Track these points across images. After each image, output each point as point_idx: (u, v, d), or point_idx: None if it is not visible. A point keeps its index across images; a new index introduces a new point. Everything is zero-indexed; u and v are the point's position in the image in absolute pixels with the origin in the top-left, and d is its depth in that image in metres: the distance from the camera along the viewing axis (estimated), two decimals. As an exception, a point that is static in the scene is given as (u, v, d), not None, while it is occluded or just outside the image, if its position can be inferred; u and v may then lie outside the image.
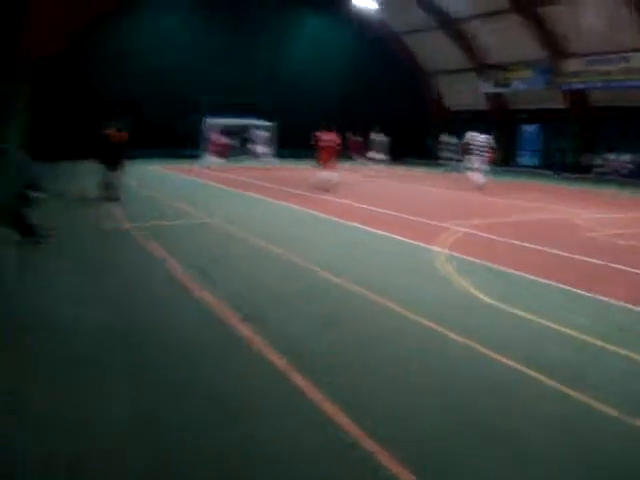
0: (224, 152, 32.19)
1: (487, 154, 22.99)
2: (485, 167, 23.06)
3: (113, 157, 16.89)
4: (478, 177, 22.96)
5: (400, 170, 32.84)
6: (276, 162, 31.52)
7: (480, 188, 22.52)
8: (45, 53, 26.12)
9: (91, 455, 4.12)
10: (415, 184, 25.47)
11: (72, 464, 4.02)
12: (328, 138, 21.14)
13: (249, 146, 33.79)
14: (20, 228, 10.79)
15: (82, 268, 9.52)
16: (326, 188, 20.80)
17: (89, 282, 8.63)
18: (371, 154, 29.93)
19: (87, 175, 21.08)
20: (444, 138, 31.63)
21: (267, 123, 35.02)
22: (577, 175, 32.16)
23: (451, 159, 31.33)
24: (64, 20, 23.72)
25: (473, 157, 23.09)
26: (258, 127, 33.47)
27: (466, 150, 23.08)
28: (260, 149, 31.89)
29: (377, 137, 30.52)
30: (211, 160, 31.09)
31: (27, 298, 7.71)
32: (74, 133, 31.40)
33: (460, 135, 24.90)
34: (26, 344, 6.09)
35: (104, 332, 6.55)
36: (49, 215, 13.77)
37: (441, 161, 31.30)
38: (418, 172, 32.75)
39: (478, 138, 23.11)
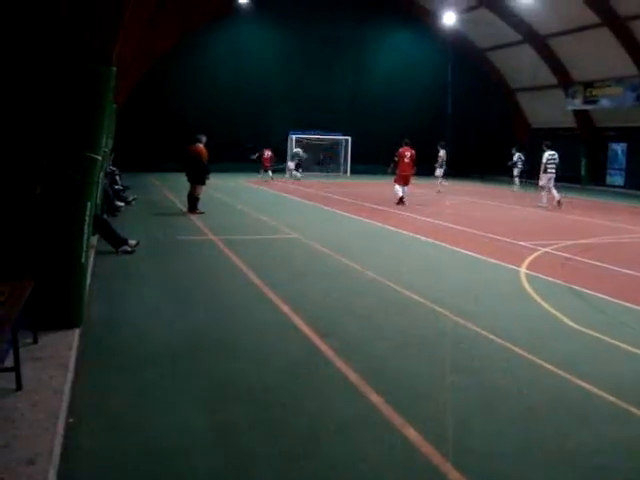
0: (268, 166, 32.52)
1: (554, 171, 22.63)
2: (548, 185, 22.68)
3: (196, 171, 17.28)
4: (554, 194, 22.46)
5: (479, 187, 32.33)
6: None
7: (558, 205, 22.04)
8: (135, 72, 26.92)
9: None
10: (498, 202, 24.97)
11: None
12: (409, 154, 21.85)
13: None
14: (111, 240, 11.20)
15: (167, 277, 9.71)
16: (403, 202, 21.28)
17: (174, 291, 8.79)
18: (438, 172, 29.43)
19: (173, 187, 21.64)
20: (515, 155, 30.86)
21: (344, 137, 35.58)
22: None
23: (519, 176, 30.67)
24: (153, 40, 24.47)
25: (548, 175, 22.58)
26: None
27: (545, 169, 22.52)
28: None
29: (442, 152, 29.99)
30: (270, 175, 32.12)
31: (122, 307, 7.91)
32: (161, 147, 32.40)
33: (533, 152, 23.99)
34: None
35: (184, 336, 6.65)
36: (137, 226, 14.21)
37: (514, 179, 30.71)
38: (499, 189, 32.17)
39: (549, 155, 22.59)
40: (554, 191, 22.58)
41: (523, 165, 30.44)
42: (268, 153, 31.66)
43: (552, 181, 22.63)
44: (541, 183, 22.84)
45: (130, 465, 4.15)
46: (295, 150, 33.32)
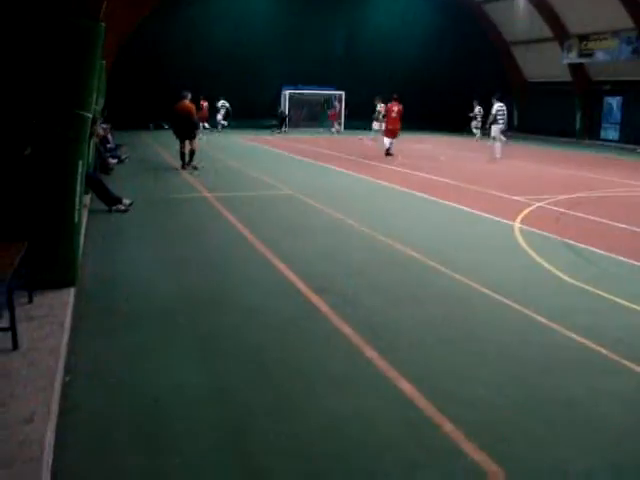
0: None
1: (504, 122, 23.38)
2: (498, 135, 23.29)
3: (180, 128, 17.39)
4: (499, 147, 23.04)
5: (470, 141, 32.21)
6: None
7: (498, 158, 22.64)
8: (124, 27, 26.51)
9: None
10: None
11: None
12: (396, 109, 22.79)
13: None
14: (104, 198, 11.18)
15: (162, 235, 9.72)
16: (390, 154, 22.42)
17: (168, 248, 8.80)
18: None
19: (166, 145, 21.51)
20: (476, 107, 31.23)
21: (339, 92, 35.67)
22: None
23: (477, 128, 31.28)
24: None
25: (498, 126, 23.15)
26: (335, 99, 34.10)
27: (495, 120, 23.15)
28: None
29: None
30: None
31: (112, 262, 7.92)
32: (153, 104, 32.17)
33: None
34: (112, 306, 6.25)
35: (179, 292, 6.69)
36: (130, 184, 14.15)
37: (473, 130, 31.40)
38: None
39: (498, 106, 23.08)
40: (497, 144, 23.08)
41: (482, 117, 30.66)
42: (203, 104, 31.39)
43: (498, 132, 23.23)
44: (493, 134, 23.35)
45: (128, 422, 4.18)
46: (221, 102, 33.64)
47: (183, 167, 17.50)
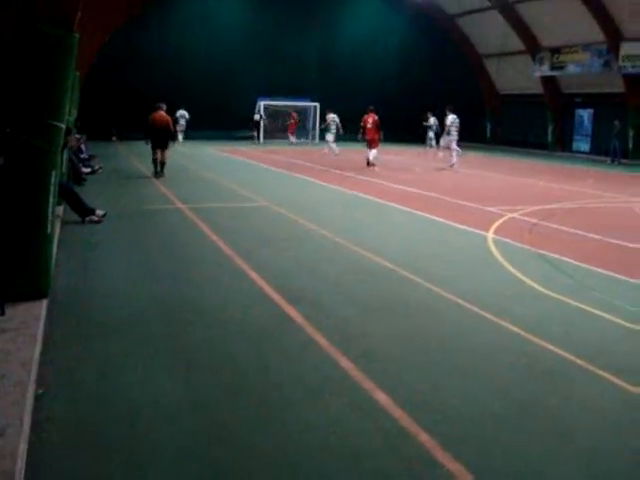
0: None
1: (457, 134, 24.31)
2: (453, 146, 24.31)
3: (158, 138, 17.91)
4: (455, 156, 24.05)
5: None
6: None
7: (450, 167, 23.59)
8: (98, 37, 26.39)
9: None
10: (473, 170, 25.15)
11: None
12: (371, 120, 23.49)
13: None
14: (78, 209, 11.10)
15: (136, 246, 9.66)
16: (369, 165, 23.09)
17: (142, 259, 8.74)
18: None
19: (139, 155, 21.45)
20: (430, 118, 32.41)
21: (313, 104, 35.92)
22: (636, 161, 31.30)
23: (432, 139, 32.54)
24: (116, 5, 24.08)
25: (450, 137, 24.17)
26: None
27: (448, 131, 24.24)
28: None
29: None
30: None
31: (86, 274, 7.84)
32: (127, 115, 32.06)
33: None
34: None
35: (153, 303, 6.65)
36: (103, 195, 14.07)
37: (427, 141, 32.84)
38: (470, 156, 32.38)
39: (452, 118, 24.16)
40: (454, 154, 24.02)
41: (437, 128, 31.66)
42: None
43: (454, 143, 24.12)
44: (442, 144, 24.80)
45: (101, 434, 4.14)
46: (180, 112, 33.90)
47: (156, 175, 17.91)
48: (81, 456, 3.88)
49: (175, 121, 33.19)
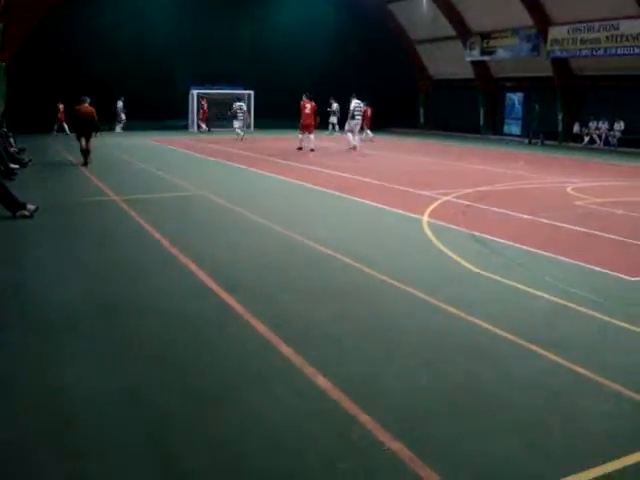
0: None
1: (360, 118, 26.01)
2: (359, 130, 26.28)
3: (83, 128, 19.02)
4: (355, 139, 25.71)
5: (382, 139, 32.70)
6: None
7: (355, 148, 25.15)
8: (24, 25, 25.75)
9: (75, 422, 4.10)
10: (400, 153, 25.39)
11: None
12: (309, 106, 24.67)
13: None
14: (7, 204, 10.80)
15: (69, 241, 9.46)
16: (312, 149, 24.15)
17: (76, 254, 8.58)
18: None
19: (70, 148, 21.03)
20: (333, 104, 33.79)
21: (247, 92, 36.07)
22: (568, 144, 32.21)
23: (335, 124, 34.21)
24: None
25: (354, 121, 25.65)
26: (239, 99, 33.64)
27: (352, 116, 25.59)
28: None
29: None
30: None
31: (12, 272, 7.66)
32: (53, 108, 31.27)
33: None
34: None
35: (85, 299, 6.56)
36: (34, 188, 13.74)
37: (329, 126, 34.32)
38: (400, 140, 32.69)
39: (355, 103, 25.64)
40: (357, 136, 25.91)
41: (339, 114, 33.50)
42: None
43: (358, 127, 25.92)
44: (347, 128, 26.00)
45: (36, 432, 4.06)
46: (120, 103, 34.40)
47: (85, 164, 18.76)
48: (14, 451, 3.81)
49: (117, 112, 34.02)
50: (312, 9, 39.82)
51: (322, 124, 30.02)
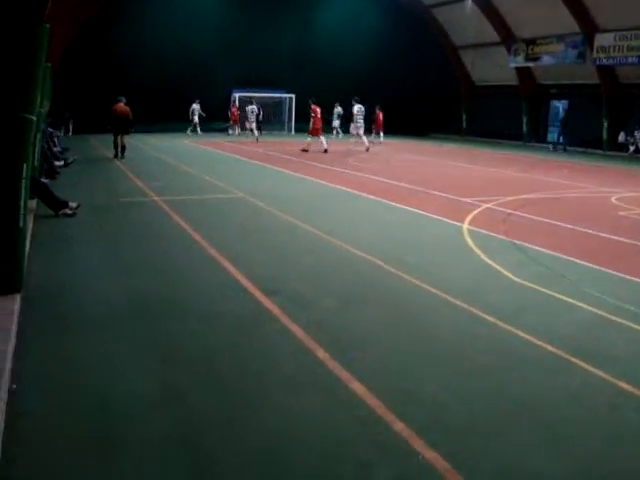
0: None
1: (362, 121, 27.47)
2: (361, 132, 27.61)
3: (119, 126, 20.83)
4: (362, 141, 27.26)
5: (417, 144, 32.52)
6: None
7: (367, 149, 26.68)
8: (71, 27, 26.14)
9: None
10: (432, 157, 25.22)
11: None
12: (319, 110, 26.01)
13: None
14: (50, 203, 10.96)
15: (110, 240, 9.58)
16: (325, 149, 25.22)
17: (116, 253, 8.68)
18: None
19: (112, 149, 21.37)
20: (338, 109, 33.56)
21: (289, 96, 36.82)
22: (610, 153, 31.67)
23: (336, 127, 34.50)
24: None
25: (357, 125, 27.30)
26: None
27: (355, 120, 27.19)
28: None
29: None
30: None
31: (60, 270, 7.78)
32: (101, 109, 31.70)
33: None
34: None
35: (127, 297, 6.63)
36: (77, 188, 13.94)
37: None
38: (444, 147, 32.45)
39: (358, 108, 27.14)
40: (364, 138, 27.40)
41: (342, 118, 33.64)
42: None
43: (362, 129, 27.41)
44: (352, 131, 27.80)
45: (78, 431, 4.09)
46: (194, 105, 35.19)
47: (116, 156, 20.79)
48: (55, 452, 3.84)
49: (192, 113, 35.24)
50: (355, 14, 39.79)
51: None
